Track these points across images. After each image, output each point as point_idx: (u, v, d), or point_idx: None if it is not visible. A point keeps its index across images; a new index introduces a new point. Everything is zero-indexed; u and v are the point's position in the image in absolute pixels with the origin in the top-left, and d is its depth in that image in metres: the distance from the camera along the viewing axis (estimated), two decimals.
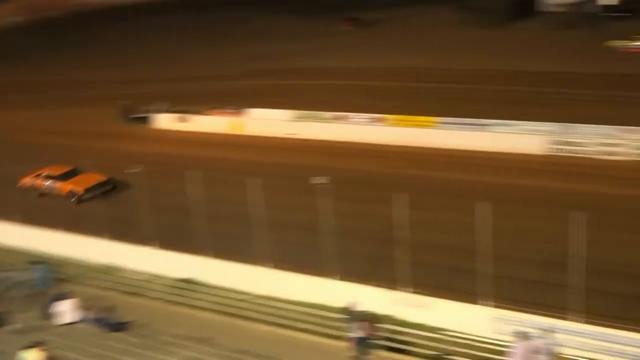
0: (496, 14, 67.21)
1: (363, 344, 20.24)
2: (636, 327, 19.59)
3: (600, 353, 19.67)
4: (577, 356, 19.62)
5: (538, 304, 21.26)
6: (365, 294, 22.32)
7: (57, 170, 37.16)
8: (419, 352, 20.95)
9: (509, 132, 37.44)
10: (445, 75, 50.48)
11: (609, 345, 19.59)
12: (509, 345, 18.92)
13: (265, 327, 23.33)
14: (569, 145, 35.78)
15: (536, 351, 18.15)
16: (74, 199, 35.80)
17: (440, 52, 58.25)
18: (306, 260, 24.96)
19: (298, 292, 24.30)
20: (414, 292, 22.35)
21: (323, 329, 22.40)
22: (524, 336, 18.28)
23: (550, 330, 18.67)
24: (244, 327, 23.63)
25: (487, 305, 21.12)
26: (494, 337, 20.72)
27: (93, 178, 36.19)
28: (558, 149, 36.00)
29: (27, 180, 37.45)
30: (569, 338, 19.78)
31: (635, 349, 19.28)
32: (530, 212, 28.73)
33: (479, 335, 21.04)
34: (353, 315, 20.40)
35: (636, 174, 32.37)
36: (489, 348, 20.44)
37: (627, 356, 19.34)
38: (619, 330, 19.57)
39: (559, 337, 19.20)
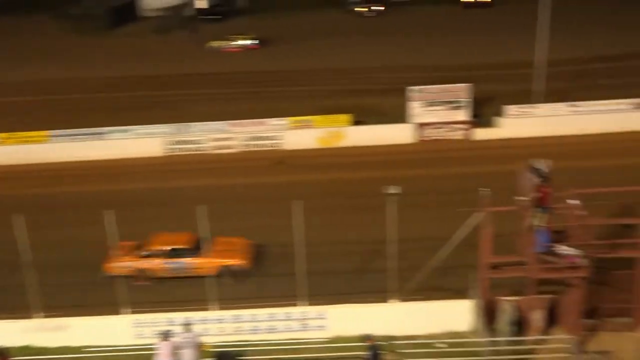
0: (96, 20, 66.49)
1: None
2: (265, 303, 21.42)
3: (238, 334, 21.06)
4: (220, 342, 20.64)
5: (172, 301, 21.94)
6: None
7: (177, 242, 24.71)
8: None
9: (126, 138, 37.44)
10: (53, 87, 48.51)
11: (245, 324, 21.12)
12: (153, 348, 19.11)
13: None
14: (186, 144, 37.21)
15: (180, 347, 18.64)
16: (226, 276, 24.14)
17: (45, 63, 55.71)
18: None
19: None
20: (48, 316, 21.22)
21: None
22: (165, 335, 18.63)
23: (189, 324, 19.30)
24: None
25: (126, 313, 21.05)
26: (138, 343, 20.73)
27: (236, 244, 25.12)
28: (176, 148, 37.19)
29: (123, 265, 24.25)
30: (209, 327, 20.79)
31: (268, 322, 21.09)
32: (157, 213, 29.26)
33: (123, 344, 20.85)
34: None
35: (246, 163, 35.16)
36: (134, 355, 20.41)
37: (261, 331, 21.09)
38: (251, 309, 21.21)
39: (200, 328, 20.03)
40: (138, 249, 24.72)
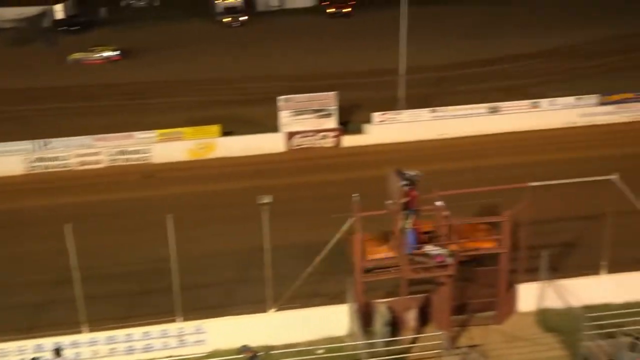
0: None
1: None
2: (139, 322, 20.78)
3: (113, 355, 20.32)
4: None
5: (40, 326, 20.91)
6: None
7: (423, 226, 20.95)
8: None
9: None
10: None
11: (119, 345, 20.38)
12: None
13: None
14: (49, 161, 35.59)
15: None
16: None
17: None
18: None
19: None
20: None
21: None
22: None
23: (59, 349, 18.47)
24: None
25: None
26: None
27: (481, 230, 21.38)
28: (38, 166, 35.51)
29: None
30: (81, 350, 19.95)
31: (144, 341, 20.48)
32: (20, 234, 27.88)
33: None
34: None
35: (114, 178, 34.14)
36: None
37: (138, 350, 20.44)
38: (125, 329, 20.52)
39: (70, 353, 19.20)
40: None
